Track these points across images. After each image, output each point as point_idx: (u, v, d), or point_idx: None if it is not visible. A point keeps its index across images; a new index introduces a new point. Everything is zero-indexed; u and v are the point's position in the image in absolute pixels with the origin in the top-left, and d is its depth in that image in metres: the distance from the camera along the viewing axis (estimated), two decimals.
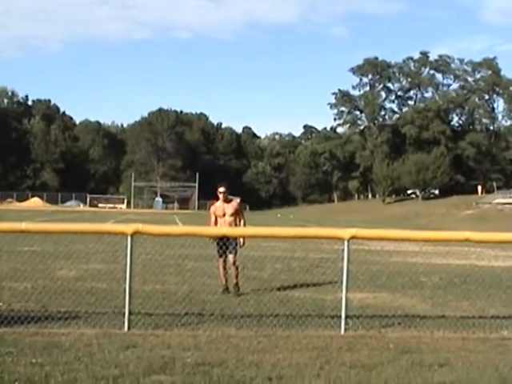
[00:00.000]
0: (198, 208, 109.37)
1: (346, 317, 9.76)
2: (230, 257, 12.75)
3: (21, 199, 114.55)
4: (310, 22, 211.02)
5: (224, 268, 12.85)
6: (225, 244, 12.36)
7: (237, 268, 12.88)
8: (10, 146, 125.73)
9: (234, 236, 12.20)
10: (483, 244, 19.58)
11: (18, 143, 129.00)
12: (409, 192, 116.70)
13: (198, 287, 12.93)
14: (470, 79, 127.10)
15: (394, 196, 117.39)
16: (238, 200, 13.71)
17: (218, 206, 13.23)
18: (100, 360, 7.58)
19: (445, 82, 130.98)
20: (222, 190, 13.19)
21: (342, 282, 9.83)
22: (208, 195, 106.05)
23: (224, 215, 13.09)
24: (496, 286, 14.34)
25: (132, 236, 9.51)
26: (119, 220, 47.06)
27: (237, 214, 13.27)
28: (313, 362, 7.74)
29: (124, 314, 9.43)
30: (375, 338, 9.23)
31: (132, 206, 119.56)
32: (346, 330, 9.61)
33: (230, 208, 13.20)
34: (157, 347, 8.28)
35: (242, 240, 12.84)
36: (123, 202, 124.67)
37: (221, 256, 12.77)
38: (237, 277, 12.83)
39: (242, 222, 13.26)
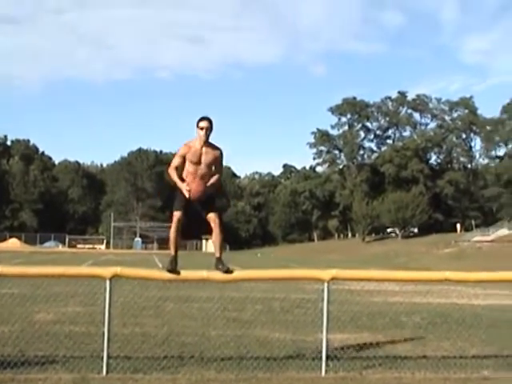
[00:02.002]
0: None
1: (327, 358, 9.70)
2: (211, 214, 9.49)
3: None
4: (290, 60, 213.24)
5: (177, 231, 9.53)
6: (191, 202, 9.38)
7: (223, 230, 9.63)
8: None
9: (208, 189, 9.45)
10: (463, 282, 19.61)
11: None
12: (388, 230, 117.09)
13: (178, 329, 12.77)
14: (447, 118, 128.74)
15: (373, 235, 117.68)
16: (220, 148, 9.57)
17: (194, 148, 9.40)
18: None
19: (423, 121, 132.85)
20: (204, 124, 9.36)
21: (322, 323, 9.79)
22: (187, 235, 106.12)
23: (199, 163, 9.37)
24: (477, 326, 14.31)
25: (111, 279, 9.44)
26: (98, 261, 46.74)
27: (215, 165, 9.57)
28: None
29: (102, 357, 9.32)
30: (356, 379, 9.17)
31: (111, 246, 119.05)
32: (326, 371, 9.54)
33: (210, 155, 9.41)
34: None
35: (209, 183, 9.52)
36: (102, 243, 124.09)
37: (179, 209, 9.44)
38: (221, 247, 9.60)
39: (217, 177, 9.63)
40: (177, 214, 9.39)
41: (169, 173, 9.56)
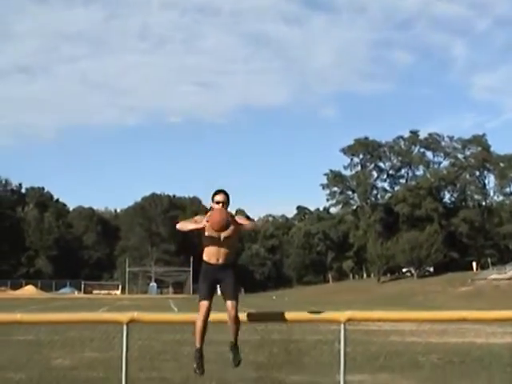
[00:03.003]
0: (193, 292, 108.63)
1: None
2: (229, 304, 8.39)
3: (15, 287, 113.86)
4: (300, 103, 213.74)
5: (205, 320, 8.43)
6: (217, 280, 8.57)
7: (238, 321, 8.60)
8: (4, 234, 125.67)
9: (230, 267, 8.62)
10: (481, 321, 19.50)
11: (11, 231, 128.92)
12: (404, 270, 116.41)
13: (195, 374, 12.76)
14: (460, 156, 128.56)
15: (388, 275, 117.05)
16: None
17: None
18: None
19: (435, 159, 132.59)
20: (220, 198, 8.55)
21: (339, 365, 9.78)
22: None
23: (218, 238, 8.53)
24: (495, 364, 14.25)
25: (128, 324, 9.50)
26: (114, 306, 46.71)
27: (238, 231, 8.65)
28: None
29: None
30: None
31: (127, 291, 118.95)
32: None
33: (229, 230, 8.47)
34: None
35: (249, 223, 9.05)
36: (118, 288, 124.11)
37: (205, 298, 8.44)
38: (236, 334, 8.68)
39: (252, 223, 9.38)
40: (204, 304, 8.39)
41: (180, 226, 8.71)
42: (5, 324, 11.12)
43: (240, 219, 8.65)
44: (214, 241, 8.45)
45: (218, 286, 8.53)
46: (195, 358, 8.55)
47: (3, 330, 17.97)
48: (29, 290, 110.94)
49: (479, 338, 21.74)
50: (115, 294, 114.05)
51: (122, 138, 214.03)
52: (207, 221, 8.31)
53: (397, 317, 11.44)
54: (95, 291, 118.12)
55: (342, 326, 9.73)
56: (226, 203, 8.50)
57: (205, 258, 8.64)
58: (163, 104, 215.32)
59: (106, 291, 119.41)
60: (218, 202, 8.47)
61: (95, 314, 12.40)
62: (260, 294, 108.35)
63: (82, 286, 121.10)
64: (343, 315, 9.79)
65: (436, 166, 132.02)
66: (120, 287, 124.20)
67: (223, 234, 8.37)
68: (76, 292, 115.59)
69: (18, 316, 9.68)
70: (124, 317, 9.59)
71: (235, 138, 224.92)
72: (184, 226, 8.63)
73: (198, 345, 8.50)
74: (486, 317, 10.85)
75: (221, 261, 8.47)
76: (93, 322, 10.47)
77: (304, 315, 11.20)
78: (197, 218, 8.62)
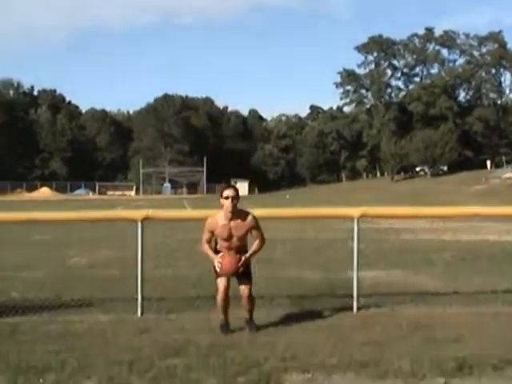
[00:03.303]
0: (207, 192, 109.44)
1: (358, 295, 9.79)
2: (242, 287, 8.54)
3: (30, 189, 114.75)
4: (314, 1, 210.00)
5: (225, 297, 8.46)
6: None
7: (252, 300, 8.67)
8: (18, 137, 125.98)
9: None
10: (493, 219, 19.54)
11: (25, 134, 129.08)
12: (417, 169, 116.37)
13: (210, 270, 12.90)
14: (476, 54, 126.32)
15: (402, 174, 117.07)
16: (252, 214, 8.67)
17: (222, 223, 8.47)
18: (115, 345, 7.64)
19: (451, 57, 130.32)
20: (229, 193, 8.38)
21: (352, 261, 9.86)
22: (216, 179, 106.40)
23: (230, 238, 8.46)
24: (508, 261, 14.35)
25: (142, 222, 9.57)
26: (129, 207, 47.10)
27: (252, 233, 8.64)
28: (326, 341, 7.78)
29: (137, 299, 9.50)
30: (387, 315, 9.26)
31: (141, 192, 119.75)
32: (358, 308, 9.64)
33: (242, 227, 8.47)
34: (170, 331, 8.33)
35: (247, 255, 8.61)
36: (132, 189, 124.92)
37: (222, 277, 8.52)
38: (251, 311, 8.70)
39: (258, 240, 8.69)
40: (222, 281, 8.48)
41: (200, 250, 8.81)
42: (22, 223, 11.24)
43: (255, 237, 8.66)
44: (226, 241, 8.51)
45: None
46: (221, 326, 8.51)
47: (21, 230, 18.20)
48: (44, 192, 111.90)
49: (492, 235, 21.85)
50: (129, 195, 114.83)
51: (134, 38, 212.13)
52: (219, 262, 8.38)
53: (410, 213, 11.48)
54: (109, 192, 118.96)
55: (356, 221, 9.76)
56: (234, 198, 8.35)
57: (219, 247, 8.65)
58: (176, 2, 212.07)
59: (120, 192, 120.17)
60: (226, 198, 8.35)
61: (111, 212, 12.45)
62: (273, 193, 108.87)
63: (97, 187, 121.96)
64: (357, 211, 9.82)
65: (451, 64, 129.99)
66: (134, 188, 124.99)
67: (235, 238, 8.48)
68: (90, 193, 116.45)
69: (35, 215, 9.76)
70: (139, 214, 9.66)
71: (248, 38, 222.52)
72: (204, 251, 8.74)
73: (222, 316, 8.56)
74: (498, 212, 10.86)
75: (232, 253, 8.52)
76: (108, 219, 10.54)
77: (318, 211, 11.24)
78: (208, 228, 8.58)
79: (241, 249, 8.53)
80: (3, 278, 12.48)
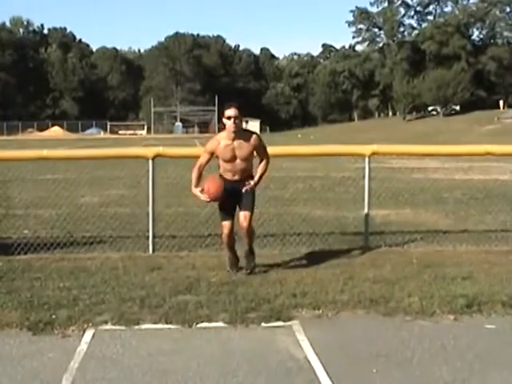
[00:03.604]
0: (218, 131, 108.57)
1: (369, 233, 9.82)
2: (242, 215, 8.10)
3: (41, 129, 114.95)
4: None
5: (230, 237, 8.22)
6: (233, 197, 8.09)
7: (250, 233, 8.30)
8: (28, 76, 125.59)
9: (246, 182, 8.16)
10: (506, 158, 19.43)
11: (35, 73, 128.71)
12: (429, 109, 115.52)
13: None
14: None
15: (414, 113, 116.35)
16: (255, 133, 8.31)
17: (224, 143, 8.02)
18: (126, 282, 7.71)
19: None
20: (231, 112, 7.85)
21: (364, 199, 9.85)
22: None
23: (234, 159, 8.03)
24: None
25: (153, 159, 9.56)
26: (140, 146, 47.12)
27: (257, 153, 8.25)
28: (336, 278, 7.82)
29: (148, 237, 9.56)
30: (398, 253, 9.29)
31: (152, 131, 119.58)
32: (368, 246, 9.66)
33: (246, 146, 8.01)
34: (181, 268, 8.39)
35: (251, 183, 8.19)
36: (143, 128, 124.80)
37: (226, 218, 8.18)
38: (250, 244, 8.39)
39: (264, 159, 8.31)
40: (225, 224, 8.17)
41: (191, 175, 8.31)
42: (32, 160, 11.26)
43: (260, 156, 8.27)
44: (229, 163, 8.08)
45: (236, 199, 8.15)
46: (230, 264, 8.39)
47: (32, 168, 18.25)
48: (55, 131, 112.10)
49: (504, 175, 21.76)
50: (141, 134, 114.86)
51: None
52: (202, 190, 7.98)
53: (421, 150, 11.42)
54: (121, 131, 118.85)
55: (367, 159, 9.73)
56: (238, 117, 7.85)
57: (221, 171, 8.26)
58: None
59: (131, 131, 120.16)
60: (229, 117, 7.84)
61: (122, 150, 12.42)
62: (285, 132, 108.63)
63: (108, 126, 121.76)
64: (368, 149, 9.77)
65: (465, 2, 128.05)
66: (145, 127, 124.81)
67: (238, 159, 8.01)
68: (102, 132, 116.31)
69: (45, 152, 9.74)
70: (150, 151, 9.65)
71: None
72: (192, 178, 8.26)
73: (228, 253, 8.38)
74: (510, 151, 10.77)
75: (237, 177, 8.12)
76: (119, 157, 10.52)
77: (329, 149, 11.20)
78: (209, 148, 8.14)
79: (245, 173, 8.14)
80: (15, 216, 12.55)
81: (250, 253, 8.37)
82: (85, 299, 7.00)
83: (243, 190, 8.07)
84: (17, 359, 5.58)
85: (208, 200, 8.00)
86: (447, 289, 7.36)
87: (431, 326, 6.36)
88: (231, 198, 8.02)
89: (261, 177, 8.29)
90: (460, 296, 7.03)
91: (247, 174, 8.16)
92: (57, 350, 5.77)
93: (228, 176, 8.12)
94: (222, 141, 8.01)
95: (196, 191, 8.02)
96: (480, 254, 9.22)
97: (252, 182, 8.13)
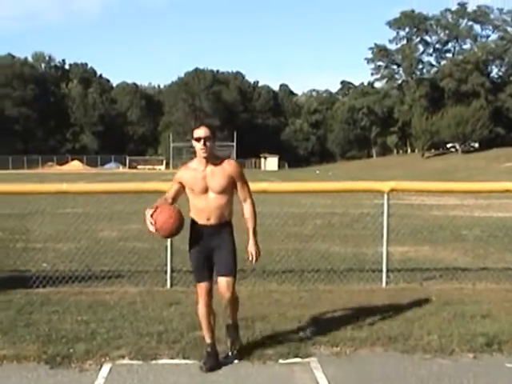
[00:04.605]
0: None
1: (388, 270, 9.77)
2: (223, 281, 6.28)
3: (61, 163, 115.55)
4: None
5: (208, 306, 6.32)
6: (210, 248, 6.34)
7: (234, 303, 6.51)
8: (49, 111, 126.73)
9: (225, 229, 6.38)
10: None
11: (56, 107, 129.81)
12: (448, 146, 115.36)
13: (238, 244, 12.91)
14: (509, 29, 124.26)
15: (433, 150, 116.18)
16: (232, 159, 6.45)
17: (194, 173, 6.17)
18: (144, 317, 7.70)
19: (483, 33, 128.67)
20: (201, 133, 6.09)
21: (382, 236, 9.82)
22: (246, 154, 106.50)
23: (206, 191, 6.15)
24: None
25: None
26: (159, 180, 47.27)
27: (234, 186, 6.25)
28: (354, 315, 7.77)
29: (166, 271, 9.56)
30: (417, 290, 9.24)
31: (171, 166, 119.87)
32: (387, 283, 9.63)
33: (221, 176, 6.14)
34: None
35: (253, 251, 6.56)
36: (162, 163, 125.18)
37: (201, 279, 6.31)
38: (234, 317, 6.64)
39: (247, 199, 6.41)
40: (202, 286, 6.30)
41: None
42: (52, 194, 11.32)
43: (241, 191, 6.34)
44: (200, 197, 6.21)
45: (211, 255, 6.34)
46: (206, 355, 6.30)
47: (51, 202, 18.35)
48: (75, 165, 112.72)
49: None
50: (160, 169, 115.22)
51: (164, 12, 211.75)
52: (151, 223, 5.98)
53: (440, 188, 11.37)
54: (140, 166, 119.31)
55: (386, 196, 9.71)
56: (209, 138, 6.06)
57: (192, 214, 6.37)
58: None
59: (150, 166, 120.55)
60: (198, 139, 6.07)
61: (139, 184, 12.48)
62: (303, 168, 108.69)
63: (127, 161, 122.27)
64: (387, 185, 9.76)
65: (484, 40, 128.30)
66: (164, 162, 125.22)
67: (211, 191, 6.15)
68: (121, 167, 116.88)
69: (64, 186, 9.80)
70: (167, 186, 9.66)
71: (279, 12, 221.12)
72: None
73: (208, 340, 6.39)
74: None
75: (212, 220, 6.24)
76: (137, 191, 10.56)
77: (348, 185, 11.20)
78: (176, 177, 6.37)
79: (222, 215, 6.27)
80: (34, 249, 12.61)
81: (234, 328, 6.64)
82: (102, 333, 6.99)
83: (249, 259, 6.55)
84: None
85: (153, 231, 6.01)
86: (466, 327, 7.30)
87: (450, 364, 6.30)
88: (206, 253, 6.34)
89: (255, 228, 6.56)
90: (480, 334, 6.96)
91: (225, 219, 6.34)
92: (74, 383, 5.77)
93: (201, 219, 6.27)
94: (192, 170, 6.19)
95: (147, 214, 5.99)
96: (500, 292, 9.15)
97: (252, 251, 6.54)
